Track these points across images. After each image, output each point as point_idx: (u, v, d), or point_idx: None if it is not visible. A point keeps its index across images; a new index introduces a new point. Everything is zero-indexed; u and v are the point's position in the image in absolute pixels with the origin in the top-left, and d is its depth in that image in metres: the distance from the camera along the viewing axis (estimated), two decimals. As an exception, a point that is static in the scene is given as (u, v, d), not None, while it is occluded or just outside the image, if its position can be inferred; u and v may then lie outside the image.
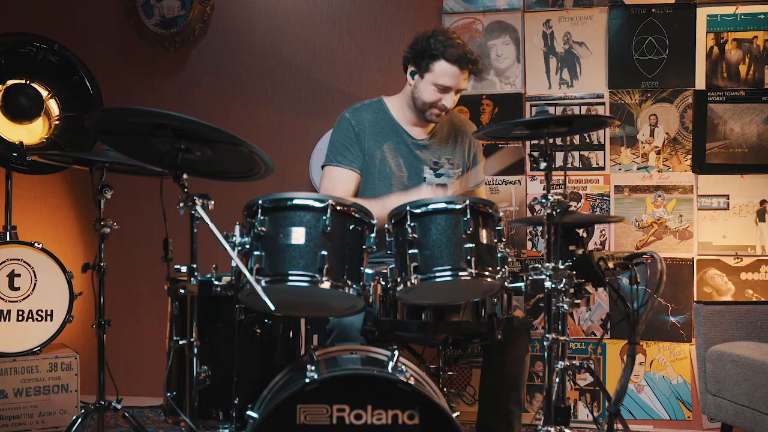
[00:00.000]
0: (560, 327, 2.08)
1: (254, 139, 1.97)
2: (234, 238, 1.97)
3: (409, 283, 2.01)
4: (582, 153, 3.53)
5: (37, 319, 3.33)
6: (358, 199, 2.73)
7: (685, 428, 3.44)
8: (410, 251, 2.01)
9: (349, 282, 1.98)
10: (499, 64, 3.58)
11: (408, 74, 2.80)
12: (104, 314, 2.62)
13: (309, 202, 1.98)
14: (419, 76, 2.75)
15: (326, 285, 1.92)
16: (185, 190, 1.98)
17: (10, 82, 3.46)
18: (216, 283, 2.06)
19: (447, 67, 2.68)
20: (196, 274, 1.99)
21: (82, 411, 2.61)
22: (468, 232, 1.99)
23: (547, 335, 2.06)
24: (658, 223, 3.46)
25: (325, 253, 1.93)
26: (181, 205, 1.95)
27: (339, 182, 2.78)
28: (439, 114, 2.77)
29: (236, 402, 2.11)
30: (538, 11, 3.54)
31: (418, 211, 2.04)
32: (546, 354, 2.07)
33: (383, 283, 2.16)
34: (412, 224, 2.02)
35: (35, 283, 3.34)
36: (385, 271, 2.14)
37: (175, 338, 2.01)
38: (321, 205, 1.97)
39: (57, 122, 3.56)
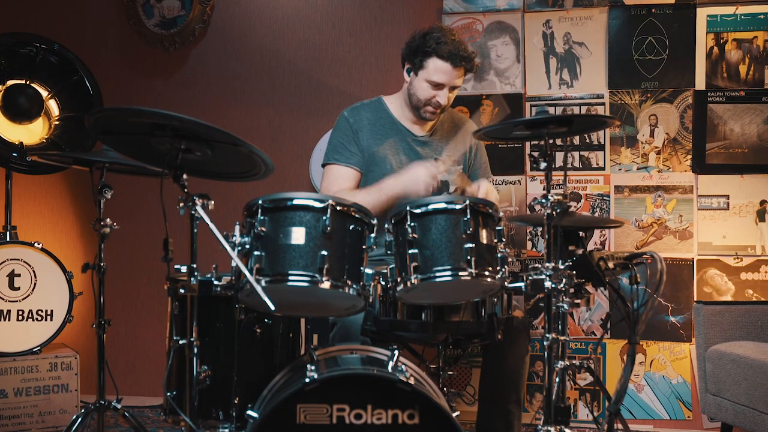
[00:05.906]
0: (560, 327, 2.08)
1: (254, 139, 1.98)
2: (234, 238, 1.97)
3: (409, 283, 2.01)
4: (582, 153, 3.53)
5: (37, 318, 3.33)
6: (356, 190, 2.73)
7: (685, 428, 3.44)
8: (410, 251, 2.01)
9: (349, 282, 1.98)
10: (499, 64, 3.58)
11: (404, 72, 2.81)
12: (104, 314, 2.61)
13: (309, 202, 1.98)
14: (414, 73, 2.76)
15: (326, 285, 1.92)
16: (185, 190, 1.97)
17: (10, 82, 3.46)
18: (216, 283, 2.06)
19: (440, 64, 2.69)
20: (196, 274, 1.99)
21: (82, 411, 2.61)
22: (468, 232, 1.99)
23: (547, 335, 2.06)
24: (658, 223, 3.46)
25: (325, 253, 1.93)
26: (181, 205, 1.95)
27: (339, 181, 2.78)
28: (434, 111, 2.77)
29: (236, 402, 2.11)
30: (538, 11, 3.54)
31: (418, 211, 2.04)
32: (546, 354, 2.07)
33: (383, 283, 2.16)
34: (412, 224, 2.02)
35: (35, 283, 3.33)
36: (385, 271, 2.14)
37: (175, 338, 2.00)
38: (321, 205, 1.97)
39: (57, 122, 3.56)
